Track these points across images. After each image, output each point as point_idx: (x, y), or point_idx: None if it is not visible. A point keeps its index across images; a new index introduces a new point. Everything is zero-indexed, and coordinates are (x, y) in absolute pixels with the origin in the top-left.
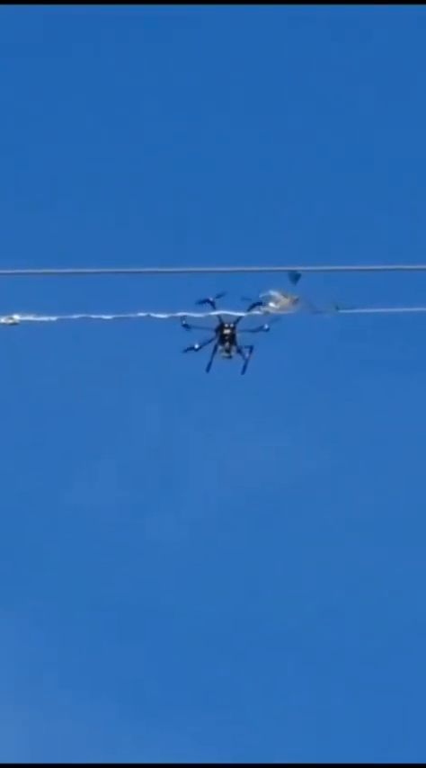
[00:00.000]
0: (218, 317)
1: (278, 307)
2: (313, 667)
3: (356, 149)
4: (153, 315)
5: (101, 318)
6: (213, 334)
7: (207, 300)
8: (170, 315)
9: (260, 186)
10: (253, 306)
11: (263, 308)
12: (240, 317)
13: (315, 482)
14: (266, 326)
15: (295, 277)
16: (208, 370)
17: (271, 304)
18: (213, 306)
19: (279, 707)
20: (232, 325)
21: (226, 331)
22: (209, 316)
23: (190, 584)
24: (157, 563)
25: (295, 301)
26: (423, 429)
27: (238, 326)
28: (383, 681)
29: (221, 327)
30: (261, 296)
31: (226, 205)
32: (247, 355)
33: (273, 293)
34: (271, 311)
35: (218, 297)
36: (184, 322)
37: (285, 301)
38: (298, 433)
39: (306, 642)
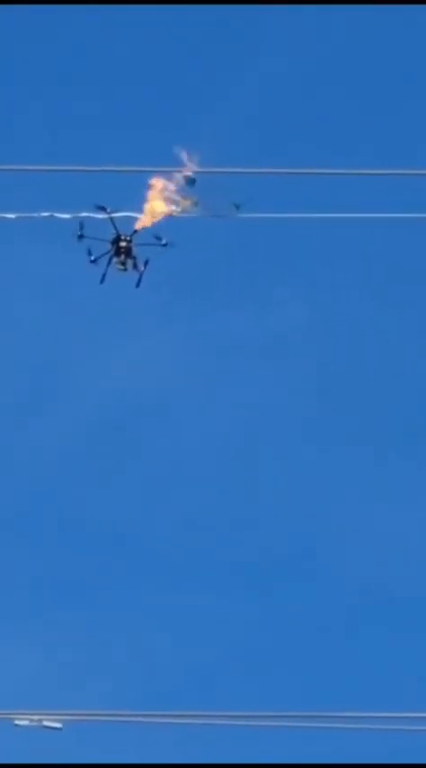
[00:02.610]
0: (115, 229)
1: (178, 209)
2: (179, 572)
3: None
4: (56, 215)
5: (3, 217)
6: (109, 246)
7: (102, 207)
8: (73, 215)
9: (166, 88)
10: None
11: (165, 210)
12: (135, 231)
13: (194, 391)
14: (163, 241)
15: (191, 181)
16: (102, 281)
17: (173, 207)
18: (107, 212)
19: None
20: (128, 238)
21: (123, 244)
22: (111, 218)
23: (70, 490)
24: (37, 468)
25: (195, 203)
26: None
27: (135, 239)
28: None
29: (118, 240)
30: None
31: (127, 105)
32: (142, 269)
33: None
34: (173, 213)
35: (102, 208)
36: (80, 232)
37: (185, 203)
38: (180, 342)
39: (173, 550)
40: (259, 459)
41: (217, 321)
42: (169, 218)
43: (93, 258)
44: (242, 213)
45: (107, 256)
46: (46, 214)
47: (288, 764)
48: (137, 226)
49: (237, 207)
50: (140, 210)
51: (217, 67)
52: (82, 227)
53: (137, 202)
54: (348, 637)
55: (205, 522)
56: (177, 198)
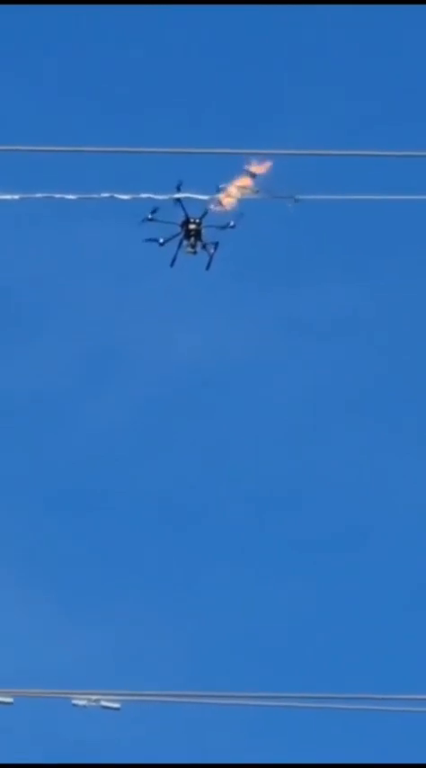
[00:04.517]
0: (184, 211)
1: (239, 193)
2: (244, 552)
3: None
4: (116, 195)
5: (63, 198)
6: (178, 229)
7: (177, 199)
8: (133, 196)
9: (224, 71)
10: (217, 191)
11: (226, 193)
12: (206, 213)
13: (258, 368)
14: (232, 223)
15: (251, 176)
16: (172, 264)
17: (233, 190)
18: (178, 190)
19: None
20: (198, 221)
21: (192, 226)
22: (173, 199)
23: (135, 465)
24: (104, 444)
25: (256, 191)
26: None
27: (204, 222)
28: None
29: (187, 222)
30: (220, 186)
31: (190, 88)
32: (212, 251)
33: (229, 186)
34: (234, 196)
35: (178, 187)
36: (150, 216)
37: (245, 189)
38: (245, 320)
39: (236, 527)
40: (320, 437)
41: (280, 300)
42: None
43: (162, 241)
44: (301, 198)
45: (176, 239)
46: (106, 195)
47: (288, 764)
48: (221, 205)
49: (295, 199)
50: (203, 192)
51: (285, 55)
52: (154, 211)
53: (199, 183)
54: (410, 619)
55: (269, 499)
56: (240, 182)
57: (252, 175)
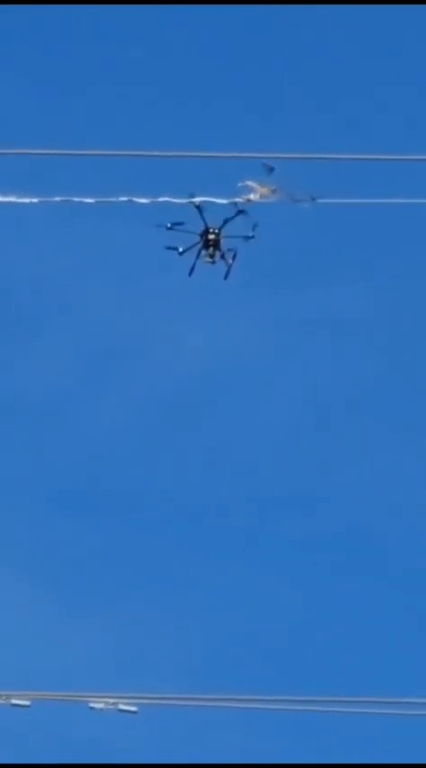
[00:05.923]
0: (204, 220)
1: (257, 196)
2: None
3: (338, 41)
4: (135, 199)
5: (82, 201)
6: (197, 239)
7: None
8: (151, 200)
9: (240, 75)
10: (235, 197)
11: (244, 197)
12: (225, 222)
13: (262, 369)
14: (251, 233)
15: (269, 170)
16: (190, 274)
17: (251, 196)
18: (198, 209)
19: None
20: (216, 231)
21: (211, 236)
22: (191, 203)
23: (144, 465)
24: (111, 443)
25: (273, 191)
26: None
27: (223, 232)
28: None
29: (206, 232)
30: (239, 184)
31: (206, 93)
32: (230, 261)
33: (251, 183)
34: (251, 200)
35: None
36: (168, 225)
37: (263, 191)
38: (254, 321)
39: (246, 528)
40: (324, 438)
41: (286, 302)
42: (247, 204)
43: (181, 250)
44: (319, 199)
45: (195, 249)
46: (124, 198)
47: (288, 764)
48: (249, 198)
49: (313, 198)
50: (218, 195)
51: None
52: (177, 223)
53: (213, 185)
54: (411, 619)
55: (271, 499)
56: (255, 185)
57: (271, 170)
